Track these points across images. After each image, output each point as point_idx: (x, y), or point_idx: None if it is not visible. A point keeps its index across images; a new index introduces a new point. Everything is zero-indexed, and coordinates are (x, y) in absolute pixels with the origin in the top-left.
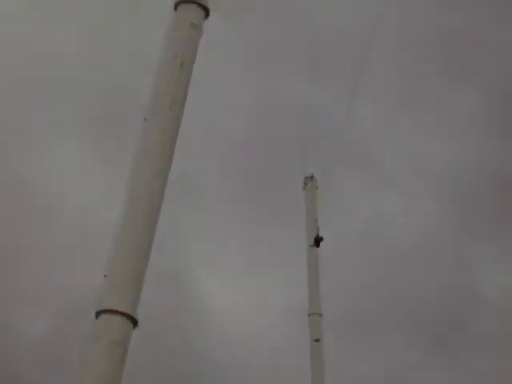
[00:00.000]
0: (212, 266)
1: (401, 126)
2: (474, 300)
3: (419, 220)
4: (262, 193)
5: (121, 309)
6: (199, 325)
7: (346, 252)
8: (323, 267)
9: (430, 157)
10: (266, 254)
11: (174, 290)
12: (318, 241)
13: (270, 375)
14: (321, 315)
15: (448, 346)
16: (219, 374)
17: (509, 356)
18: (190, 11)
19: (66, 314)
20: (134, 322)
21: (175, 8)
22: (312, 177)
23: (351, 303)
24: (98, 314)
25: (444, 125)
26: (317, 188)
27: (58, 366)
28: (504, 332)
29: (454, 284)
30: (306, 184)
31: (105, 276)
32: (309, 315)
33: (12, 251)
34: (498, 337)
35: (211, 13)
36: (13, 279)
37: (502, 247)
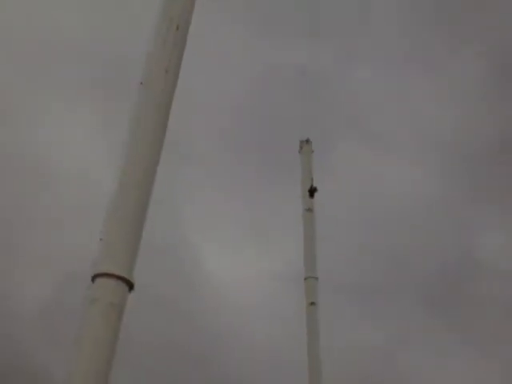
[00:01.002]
0: (209, 230)
1: (401, 90)
2: (474, 262)
3: (419, 183)
4: (261, 156)
5: (117, 272)
6: (196, 292)
7: (344, 216)
8: (320, 232)
9: (430, 121)
10: (263, 218)
11: (171, 256)
12: (312, 191)
13: (267, 342)
14: (316, 278)
15: (448, 307)
16: (216, 343)
17: (508, 318)
18: None
19: (68, 277)
20: (130, 286)
21: None
22: (308, 140)
23: (350, 267)
24: (94, 277)
25: (444, 89)
26: (312, 151)
27: (58, 332)
28: (503, 294)
29: (453, 246)
30: (301, 147)
31: (100, 239)
32: (305, 279)
33: (14, 214)
34: (497, 299)
35: None
36: (14, 242)
37: (502, 209)
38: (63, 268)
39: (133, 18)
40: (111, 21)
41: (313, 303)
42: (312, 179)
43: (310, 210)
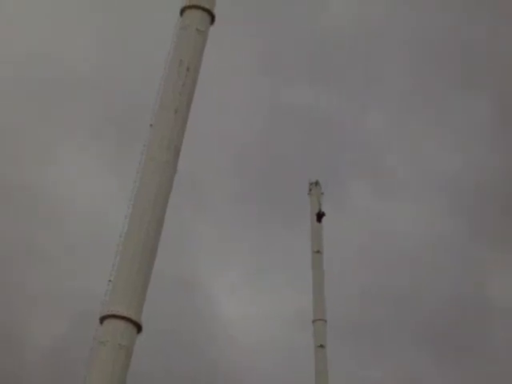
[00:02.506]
0: (220, 271)
1: (413, 135)
2: (481, 306)
3: (429, 227)
4: (272, 199)
5: (125, 314)
6: (206, 330)
7: (353, 259)
8: (329, 274)
9: (442, 165)
10: (273, 259)
11: (182, 294)
12: (320, 216)
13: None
14: (325, 321)
15: (455, 350)
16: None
17: None
18: (196, 16)
19: (78, 319)
20: (138, 328)
21: (181, 13)
22: (317, 183)
23: (358, 309)
24: (103, 319)
25: (456, 134)
26: (322, 193)
27: (68, 372)
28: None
29: (461, 291)
30: (310, 190)
31: (109, 281)
32: (313, 321)
33: (26, 252)
34: (504, 341)
35: (217, 18)
36: (24, 282)
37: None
38: (75, 307)
39: (144, 57)
40: (124, 60)
41: (321, 346)
42: (320, 204)
43: (318, 252)
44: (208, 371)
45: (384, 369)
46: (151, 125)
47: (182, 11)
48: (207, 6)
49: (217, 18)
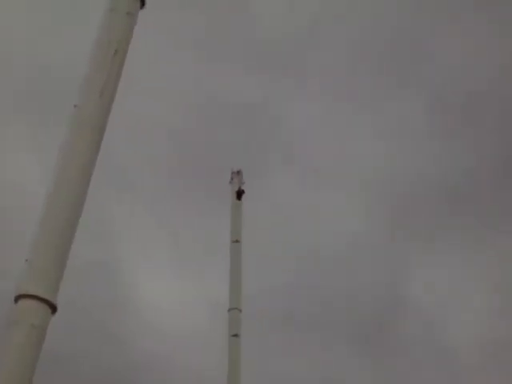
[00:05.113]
0: (139, 258)
1: (337, 126)
2: (399, 301)
3: (350, 221)
4: (195, 184)
5: (40, 294)
6: (122, 317)
7: (270, 250)
8: (246, 264)
9: (365, 157)
10: (193, 246)
11: (100, 279)
12: (239, 193)
13: (189, 369)
14: (240, 310)
15: (372, 346)
16: (138, 367)
17: (428, 358)
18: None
19: None
20: (53, 308)
21: None
22: (239, 172)
23: (274, 301)
24: (17, 298)
25: (381, 126)
26: (243, 183)
27: None
28: (425, 333)
29: (380, 284)
30: (232, 178)
31: (26, 260)
32: (229, 310)
33: None
34: (419, 338)
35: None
36: None
37: (428, 248)
38: None
39: (71, 36)
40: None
41: (235, 335)
42: (242, 183)
43: (237, 241)
44: (125, 358)
45: (297, 363)
46: (75, 105)
47: None
48: None
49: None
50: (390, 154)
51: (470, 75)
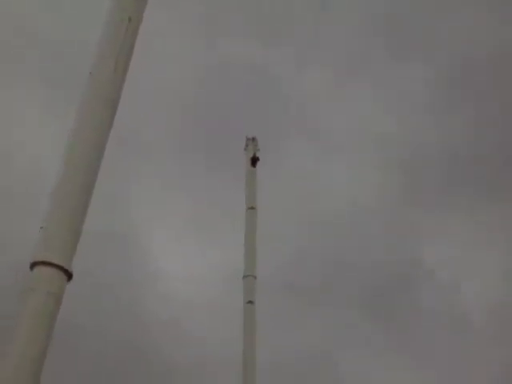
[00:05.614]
0: (154, 226)
1: (349, 95)
2: (412, 265)
3: (363, 189)
4: (210, 152)
5: (55, 261)
6: (138, 285)
7: (285, 217)
8: (261, 231)
9: (378, 127)
10: (209, 213)
11: (115, 247)
12: (254, 160)
13: (205, 336)
14: (255, 277)
15: (385, 310)
16: (155, 334)
17: (441, 327)
18: None
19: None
20: (69, 276)
21: None
22: (254, 138)
23: (289, 268)
24: (33, 265)
25: (392, 96)
26: (258, 150)
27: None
28: (438, 304)
29: (392, 249)
30: (247, 145)
31: (41, 227)
32: (243, 277)
33: None
34: (432, 309)
35: None
36: None
37: (443, 218)
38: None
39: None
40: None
41: (250, 301)
42: (257, 150)
43: (252, 208)
44: (142, 326)
45: (309, 327)
46: (90, 73)
47: None
48: None
49: None
50: (404, 120)
51: None
